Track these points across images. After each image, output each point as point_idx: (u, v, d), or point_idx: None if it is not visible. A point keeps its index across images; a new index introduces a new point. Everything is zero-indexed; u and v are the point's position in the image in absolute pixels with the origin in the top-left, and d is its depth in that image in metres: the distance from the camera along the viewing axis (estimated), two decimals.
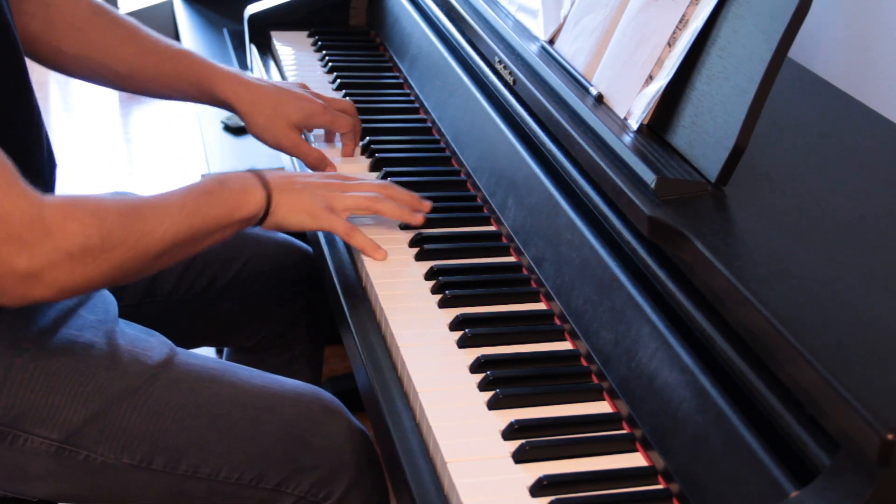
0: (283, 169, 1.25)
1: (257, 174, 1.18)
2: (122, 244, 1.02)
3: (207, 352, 1.96)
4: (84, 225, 0.99)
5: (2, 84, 1.10)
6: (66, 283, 1.00)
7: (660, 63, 1.09)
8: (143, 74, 1.35)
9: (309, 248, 1.50)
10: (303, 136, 1.42)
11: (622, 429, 0.98)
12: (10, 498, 1.15)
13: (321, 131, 1.49)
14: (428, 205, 1.27)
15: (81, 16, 1.32)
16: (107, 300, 1.21)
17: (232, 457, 1.14)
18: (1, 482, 1.12)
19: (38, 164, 1.17)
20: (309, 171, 1.39)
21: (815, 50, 1.59)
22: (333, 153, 1.45)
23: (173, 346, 1.19)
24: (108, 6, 1.35)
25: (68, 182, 2.81)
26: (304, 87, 1.45)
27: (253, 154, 1.86)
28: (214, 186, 1.13)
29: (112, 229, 1.01)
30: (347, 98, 1.61)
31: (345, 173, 1.30)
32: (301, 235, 1.47)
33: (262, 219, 1.17)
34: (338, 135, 1.47)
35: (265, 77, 1.74)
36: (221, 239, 1.15)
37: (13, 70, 1.12)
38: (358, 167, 1.44)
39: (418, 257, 1.23)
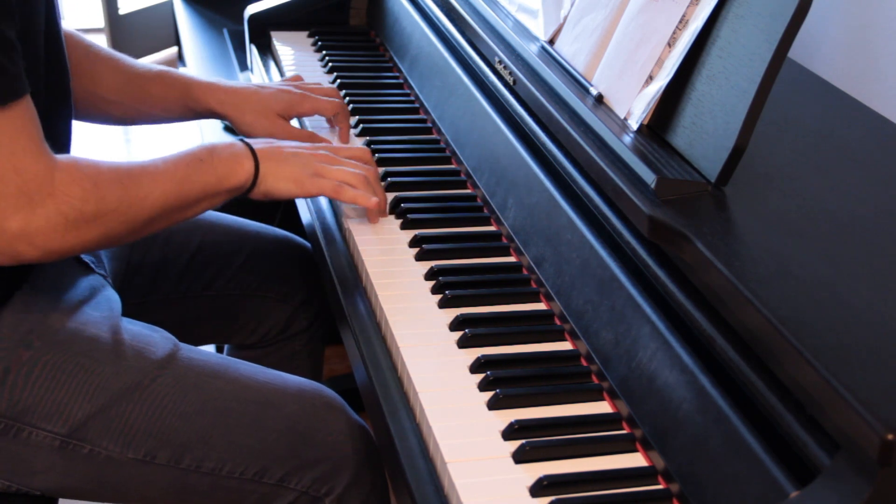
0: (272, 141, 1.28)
1: (246, 143, 1.20)
2: (115, 211, 1.07)
3: (208, 349, 1.96)
4: (84, 190, 1.04)
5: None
6: (56, 246, 1.04)
7: (660, 63, 1.09)
8: (132, 98, 1.40)
9: (308, 244, 1.50)
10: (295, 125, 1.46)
11: (622, 429, 0.98)
12: (13, 493, 1.15)
13: (319, 121, 1.52)
14: (386, 215, 1.31)
15: (79, 55, 1.35)
16: (111, 298, 1.22)
17: (235, 452, 1.14)
18: (5, 474, 1.13)
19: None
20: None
21: (815, 50, 1.59)
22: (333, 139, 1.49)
23: (177, 341, 1.20)
24: (96, 44, 1.40)
25: None
26: (298, 78, 1.50)
27: None
28: (205, 154, 1.16)
29: (106, 196, 1.06)
30: (347, 98, 1.61)
31: (335, 144, 1.33)
32: (301, 231, 1.47)
33: (250, 188, 1.20)
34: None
35: (265, 77, 1.74)
36: (209, 207, 1.19)
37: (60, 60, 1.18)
38: None
39: (418, 257, 1.23)
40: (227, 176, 1.17)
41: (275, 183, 1.21)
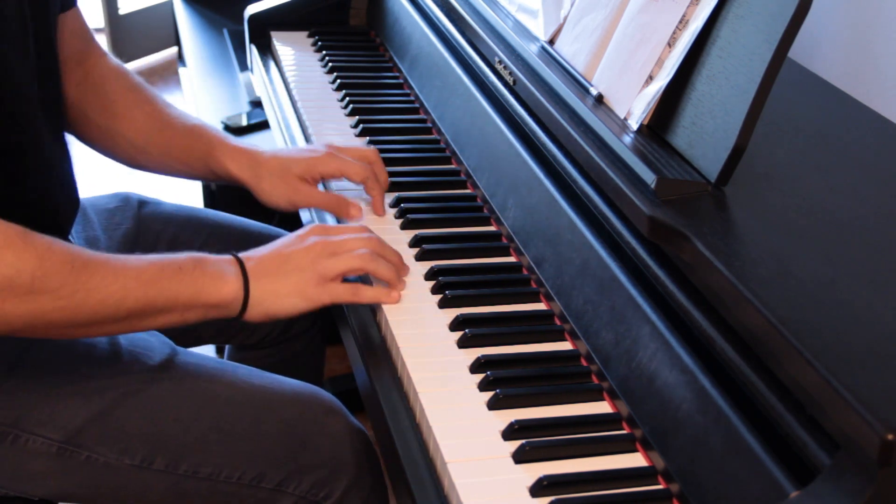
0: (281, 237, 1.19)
1: (238, 260, 1.10)
2: (55, 292, 0.96)
3: (208, 350, 1.97)
4: (19, 257, 0.94)
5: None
6: None
7: (660, 63, 1.09)
8: (157, 148, 1.34)
9: None
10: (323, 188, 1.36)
11: (622, 429, 0.98)
12: (10, 497, 1.15)
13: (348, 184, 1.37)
14: (408, 269, 1.19)
15: (117, 90, 1.33)
16: None
17: (233, 457, 1.14)
18: (2, 481, 1.13)
19: (41, 210, 1.15)
20: (329, 222, 1.29)
21: (815, 50, 1.59)
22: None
23: (174, 345, 1.19)
24: (145, 84, 1.36)
25: None
26: (328, 146, 1.35)
27: None
28: (188, 264, 1.06)
29: (48, 272, 0.95)
30: (347, 98, 1.61)
31: (324, 224, 1.23)
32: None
33: (243, 310, 1.09)
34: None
35: (265, 77, 1.74)
36: (181, 322, 1.07)
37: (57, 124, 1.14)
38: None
39: (418, 257, 1.23)
40: (206, 292, 1.06)
41: (276, 303, 1.09)
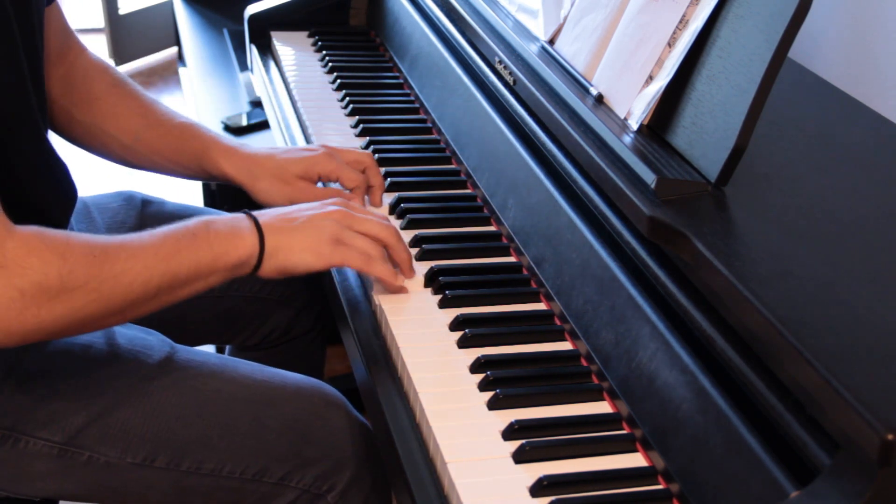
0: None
1: (250, 215, 1.11)
2: (84, 286, 0.96)
3: (208, 350, 1.96)
4: (43, 261, 0.94)
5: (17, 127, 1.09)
6: (15, 326, 0.94)
7: (660, 63, 1.09)
8: (147, 146, 1.32)
9: None
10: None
11: (622, 429, 0.98)
12: (12, 498, 1.15)
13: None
14: (413, 273, 1.19)
15: (101, 87, 1.31)
16: None
17: (235, 452, 1.14)
18: (3, 483, 1.12)
19: (39, 204, 1.14)
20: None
21: (815, 50, 1.59)
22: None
23: (173, 343, 1.19)
24: (128, 80, 1.35)
25: None
26: (324, 147, 1.35)
27: None
28: (199, 228, 1.06)
29: (73, 269, 0.95)
30: (347, 98, 1.61)
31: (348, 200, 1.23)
32: None
33: (258, 265, 1.10)
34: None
35: (265, 77, 1.74)
36: (205, 287, 1.08)
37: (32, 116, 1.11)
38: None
39: (418, 257, 1.23)
40: (226, 253, 1.06)
41: (289, 257, 1.10)
